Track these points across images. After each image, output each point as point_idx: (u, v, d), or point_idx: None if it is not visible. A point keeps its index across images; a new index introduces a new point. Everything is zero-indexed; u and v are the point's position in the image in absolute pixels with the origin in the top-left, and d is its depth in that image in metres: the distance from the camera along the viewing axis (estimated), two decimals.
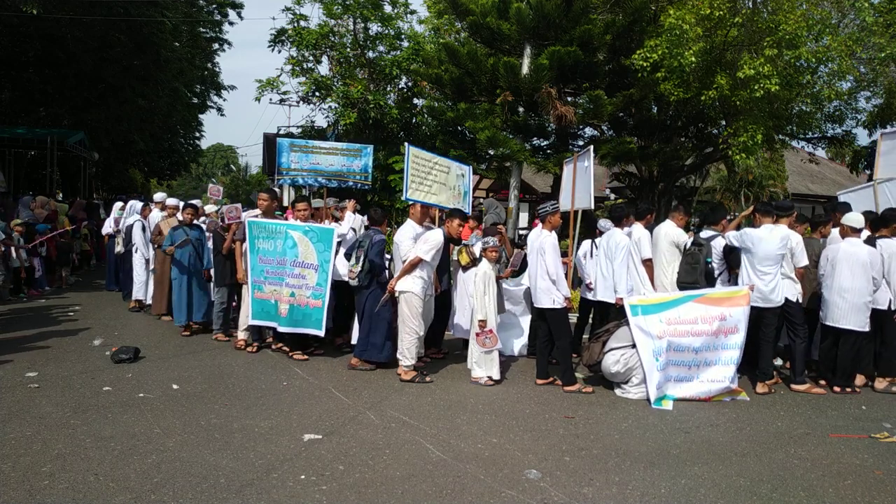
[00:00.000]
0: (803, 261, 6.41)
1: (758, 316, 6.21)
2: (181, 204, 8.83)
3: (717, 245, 6.89)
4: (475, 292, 6.29)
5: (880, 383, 6.46)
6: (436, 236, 6.24)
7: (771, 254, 6.16)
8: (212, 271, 7.90)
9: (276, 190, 8.88)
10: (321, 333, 6.76)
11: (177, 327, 8.07)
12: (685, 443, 4.84)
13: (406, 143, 7.09)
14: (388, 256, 7.55)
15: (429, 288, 6.37)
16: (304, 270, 6.80)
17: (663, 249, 7.05)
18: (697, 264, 6.68)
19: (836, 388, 6.31)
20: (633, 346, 5.97)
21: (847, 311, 6.18)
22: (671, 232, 7.01)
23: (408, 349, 6.22)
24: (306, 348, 6.96)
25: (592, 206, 7.63)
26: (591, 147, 7.89)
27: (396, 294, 6.37)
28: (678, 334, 5.94)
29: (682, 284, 6.72)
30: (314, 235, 6.80)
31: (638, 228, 6.80)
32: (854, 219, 6.41)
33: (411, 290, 6.20)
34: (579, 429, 5.08)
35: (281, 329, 6.89)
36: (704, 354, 5.96)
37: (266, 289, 6.94)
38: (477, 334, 6.23)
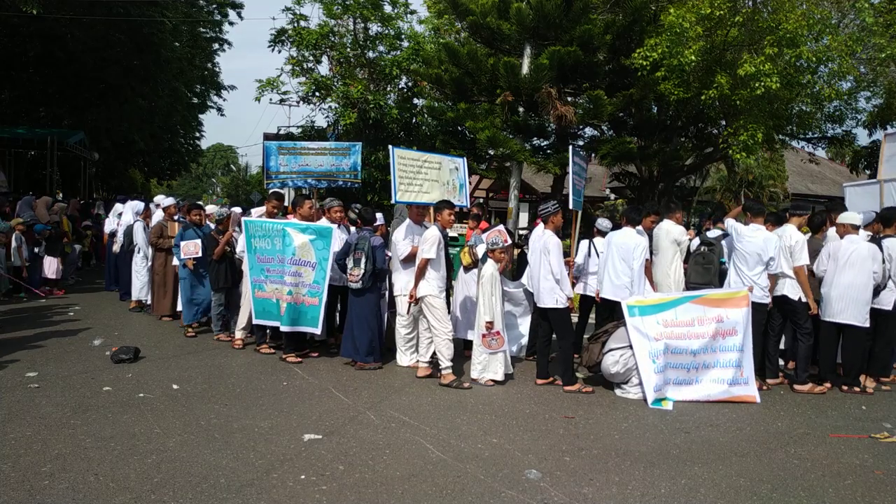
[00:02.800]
0: (801, 259, 6.39)
1: None
2: (176, 203, 8.89)
3: (729, 245, 6.86)
4: (482, 293, 6.28)
5: (871, 383, 6.47)
6: (432, 232, 6.26)
7: (752, 253, 6.24)
8: None
9: (283, 192, 8.88)
10: (318, 332, 6.75)
11: (179, 328, 8.08)
12: (685, 443, 4.84)
13: (391, 147, 7.05)
14: (388, 254, 7.56)
15: (443, 284, 6.39)
16: (300, 268, 6.76)
17: (665, 248, 7.04)
18: (711, 265, 6.59)
19: (844, 388, 6.31)
20: (633, 346, 5.97)
21: (847, 305, 6.20)
22: (673, 230, 7.00)
23: (442, 353, 6.20)
24: (300, 350, 6.95)
25: (571, 206, 7.63)
26: (571, 148, 7.75)
27: (405, 300, 6.40)
28: (675, 336, 5.92)
29: (695, 286, 6.66)
30: (312, 233, 6.77)
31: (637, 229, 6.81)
32: (851, 216, 6.46)
33: (428, 293, 6.22)
34: (579, 429, 5.08)
35: (282, 328, 6.87)
36: (703, 357, 5.94)
37: (268, 287, 6.91)
38: (483, 335, 6.22)
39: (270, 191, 8.32)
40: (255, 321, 7.04)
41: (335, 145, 8.48)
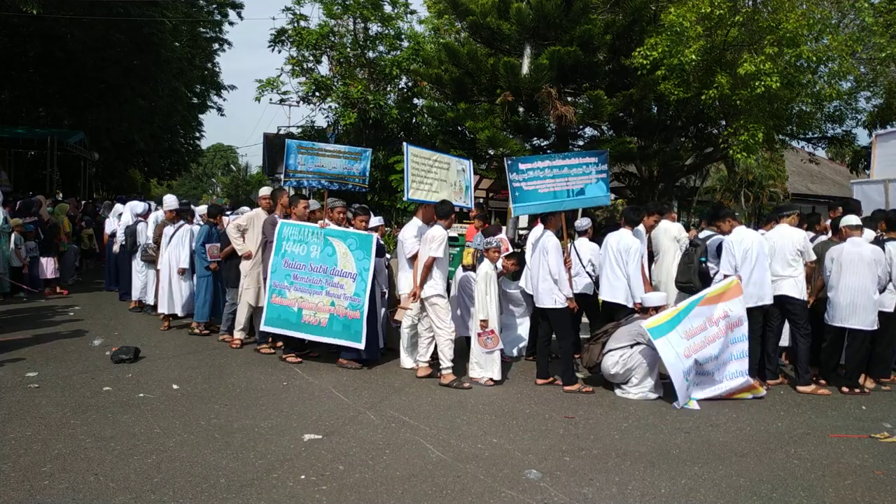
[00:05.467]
0: (812, 256, 6.52)
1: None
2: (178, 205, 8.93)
3: (713, 244, 6.87)
4: (477, 292, 6.29)
5: (871, 383, 6.48)
6: (439, 231, 6.25)
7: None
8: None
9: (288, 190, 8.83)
10: (361, 346, 6.51)
11: (180, 327, 8.09)
12: (685, 443, 4.84)
13: (405, 143, 7.06)
14: (388, 256, 7.57)
15: (445, 284, 6.38)
16: (342, 279, 6.59)
17: (666, 247, 7.06)
18: (691, 263, 6.67)
19: (845, 389, 6.29)
20: (632, 346, 5.96)
21: (854, 310, 6.15)
22: (671, 228, 7.04)
23: (443, 353, 6.19)
24: (300, 350, 6.94)
25: (514, 213, 7.67)
26: (506, 162, 7.55)
27: (410, 301, 6.40)
28: (698, 347, 5.87)
29: (680, 284, 6.72)
30: (353, 243, 6.62)
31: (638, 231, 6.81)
32: (852, 219, 6.44)
33: (433, 293, 6.21)
34: (579, 429, 5.08)
35: (313, 338, 6.70)
36: (723, 356, 5.97)
37: (290, 295, 6.70)
38: (479, 334, 6.23)
39: (275, 188, 8.27)
40: (263, 327, 6.86)
41: (348, 149, 8.51)
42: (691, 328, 5.93)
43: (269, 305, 6.76)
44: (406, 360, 6.74)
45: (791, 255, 6.39)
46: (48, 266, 10.89)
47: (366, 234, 6.74)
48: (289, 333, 6.76)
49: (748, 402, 5.92)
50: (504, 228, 11.61)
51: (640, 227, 6.91)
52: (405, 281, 6.69)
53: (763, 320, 6.41)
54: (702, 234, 7.09)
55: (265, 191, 7.85)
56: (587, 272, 7.05)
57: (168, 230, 8.41)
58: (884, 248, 6.35)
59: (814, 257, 6.52)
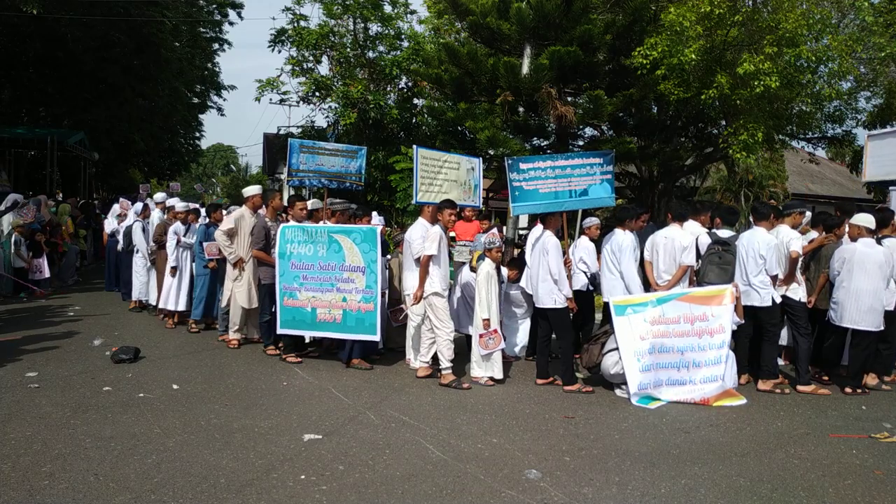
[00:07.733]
0: (775, 270, 6.33)
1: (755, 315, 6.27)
2: (183, 205, 8.94)
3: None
4: (478, 292, 6.29)
5: (873, 380, 6.47)
6: (434, 229, 6.27)
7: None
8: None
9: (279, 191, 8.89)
10: (377, 339, 6.57)
11: (181, 326, 8.11)
12: (685, 443, 4.84)
13: (414, 146, 7.08)
14: (388, 257, 7.57)
15: (446, 284, 6.38)
16: (352, 274, 6.63)
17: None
18: (729, 266, 6.31)
19: (848, 390, 6.27)
20: (618, 344, 5.96)
21: (864, 312, 6.09)
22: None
23: (443, 353, 6.18)
24: (300, 350, 6.93)
25: (512, 213, 7.66)
26: (506, 161, 7.39)
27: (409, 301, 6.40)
28: (662, 335, 5.89)
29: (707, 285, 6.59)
30: (358, 237, 6.66)
31: (683, 235, 6.52)
32: (866, 219, 6.31)
33: (431, 290, 6.21)
34: (579, 429, 5.08)
35: (325, 335, 6.81)
36: (691, 355, 5.92)
37: (301, 295, 6.72)
38: (480, 335, 6.22)
39: (287, 193, 8.30)
40: (279, 330, 6.84)
41: (346, 147, 8.55)
42: (661, 317, 5.93)
43: (282, 308, 6.77)
44: (413, 359, 6.74)
45: (785, 256, 6.32)
46: (39, 266, 10.89)
47: (369, 228, 6.84)
48: (306, 333, 6.86)
49: (749, 402, 5.91)
50: (504, 228, 11.63)
51: (692, 224, 6.76)
52: (410, 280, 6.68)
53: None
54: (723, 234, 6.60)
55: (252, 190, 7.57)
56: (580, 270, 7.04)
57: (195, 229, 8.50)
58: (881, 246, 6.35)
59: (775, 272, 6.22)
